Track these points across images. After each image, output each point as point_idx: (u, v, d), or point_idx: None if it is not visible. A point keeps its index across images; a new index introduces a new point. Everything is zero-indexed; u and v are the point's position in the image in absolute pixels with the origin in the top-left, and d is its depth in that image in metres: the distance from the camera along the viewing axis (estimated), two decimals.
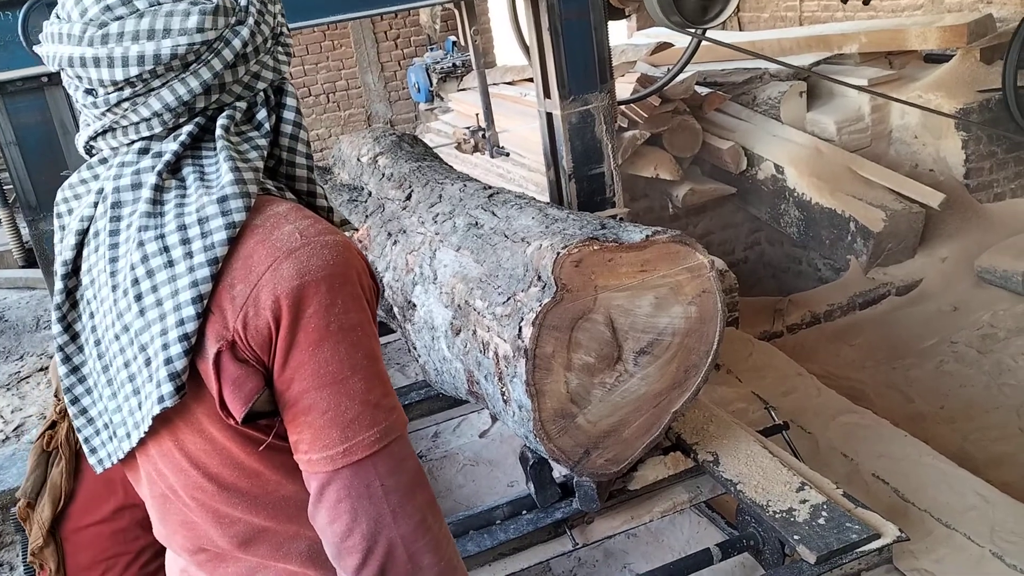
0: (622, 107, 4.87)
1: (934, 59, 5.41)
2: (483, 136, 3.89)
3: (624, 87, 4.89)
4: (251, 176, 0.95)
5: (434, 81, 7.29)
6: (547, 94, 3.63)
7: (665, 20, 3.45)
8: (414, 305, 2.60)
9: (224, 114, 0.98)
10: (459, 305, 2.32)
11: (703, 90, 5.38)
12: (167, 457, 1.01)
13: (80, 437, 1.07)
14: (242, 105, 1.00)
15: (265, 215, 0.95)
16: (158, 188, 0.95)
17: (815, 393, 3.25)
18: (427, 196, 2.90)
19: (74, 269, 1.04)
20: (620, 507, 2.41)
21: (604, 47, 3.59)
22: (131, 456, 1.05)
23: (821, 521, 2.10)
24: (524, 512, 2.40)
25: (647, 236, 2.07)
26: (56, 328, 1.04)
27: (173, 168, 0.97)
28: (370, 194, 3.37)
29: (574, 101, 3.57)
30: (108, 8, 0.93)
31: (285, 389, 0.93)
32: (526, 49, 4.15)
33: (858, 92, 5.06)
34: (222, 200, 0.92)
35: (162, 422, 0.97)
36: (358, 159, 3.68)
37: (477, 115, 3.96)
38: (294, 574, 1.05)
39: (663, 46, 5.84)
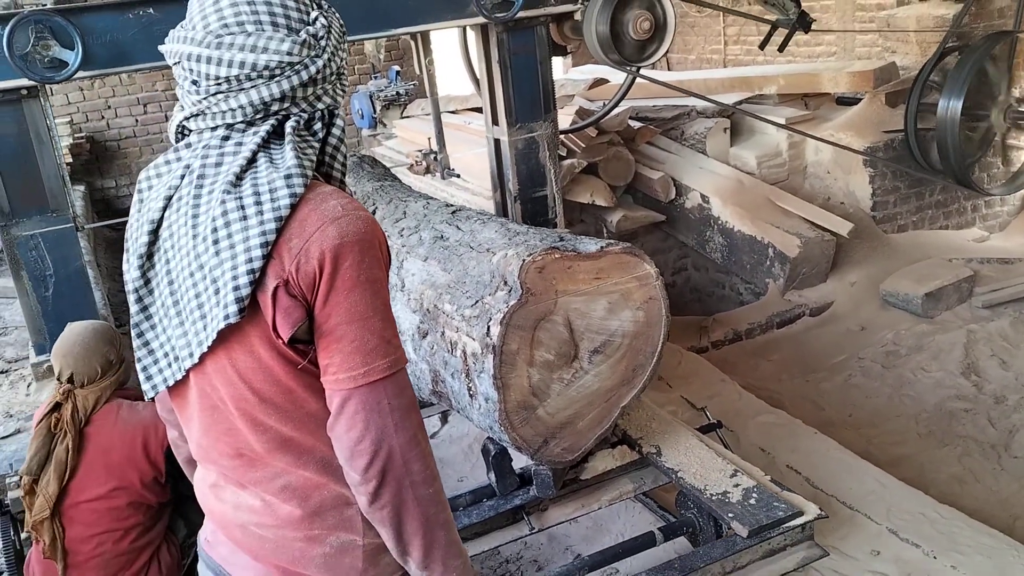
0: (562, 136, 5.16)
1: (845, 101, 5.89)
2: (435, 159, 4.12)
3: (564, 118, 5.18)
4: (308, 164, 1.24)
5: (378, 108, 7.49)
6: (495, 121, 3.89)
7: (604, 58, 3.71)
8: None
9: (292, 119, 1.27)
10: (427, 309, 2.52)
11: (636, 124, 5.72)
12: (221, 373, 1.26)
13: (139, 367, 1.33)
14: (304, 116, 1.29)
15: (316, 192, 1.24)
16: (241, 170, 1.23)
17: (736, 397, 3.57)
18: (391, 212, 3.10)
19: (155, 229, 1.29)
20: (572, 495, 2.64)
21: (548, 80, 3.87)
22: (184, 379, 1.31)
23: (752, 502, 2.37)
24: (485, 500, 2.61)
25: (602, 247, 2.33)
26: (135, 274, 1.31)
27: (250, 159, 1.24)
28: None
29: (520, 128, 3.84)
30: (226, 26, 1.23)
31: (324, 322, 1.20)
32: (476, 80, 4.40)
33: (777, 129, 5.47)
34: (287, 177, 1.21)
35: (220, 342, 1.22)
36: None
37: (429, 139, 4.19)
38: (309, 479, 1.29)
39: (599, 82, 6.19)
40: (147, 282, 1.31)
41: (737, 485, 2.44)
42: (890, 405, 4.12)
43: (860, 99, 5.70)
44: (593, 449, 2.58)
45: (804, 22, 4.49)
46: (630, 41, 3.69)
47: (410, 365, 2.66)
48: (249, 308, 1.19)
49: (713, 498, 2.40)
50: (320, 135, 1.31)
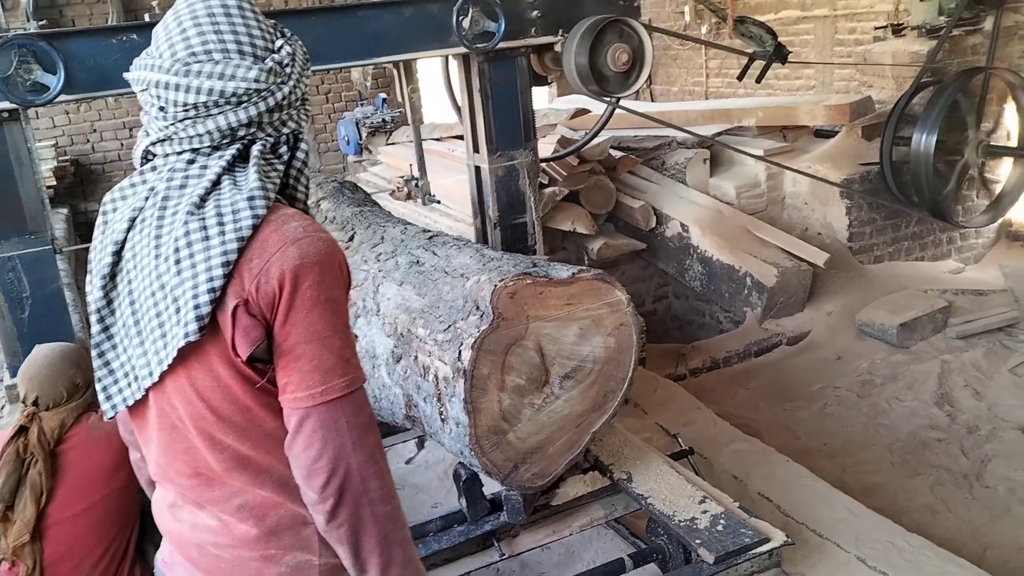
0: (543, 165, 5.22)
1: (823, 134, 5.99)
2: (416, 185, 4.17)
3: (546, 147, 5.25)
4: (271, 186, 1.28)
5: (363, 135, 7.55)
6: (476, 149, 3.94)
7: (583, 89, 3.78)
8: (356, 336, 2.81)
9: (258, 143, 1.31)
10: (401, 334, 2.55)
11: (617, 153, 5.79)
12: (180, 392, 1.28)
13: (98, 387, 1.35)
14: (270, 140, 1.33)
15: (278, 214, 1.28)
16: (206, 192, 1.27)
17: (711, 424, 3.60)
18: (370, 237, 3.13)
19: (119, 250, 1.32)
20: (543, 522, 2.65)
21: (529, 109, 3.92)
22: (143, 399, 1.33)
23: (719, 528, 2.39)
24: (456, 525, 2.61)
25: (573, 273, 2.36)
26: (97, 294, 1.34)
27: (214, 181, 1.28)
28: None
29: (501, 156, 3.88)
30: (194, 54, 1.27)
31: (283, 341, 1.23)
32: (458, 108, 4.46)
33: (756, 161, 5.56)
34: (250, 198, 1.25)
35: (180, 361, 1.24)
36: None
37: (411, 165, 4.23)
38: (266, 499, 1.31)
39: (581, 112, 6.28)
40: (109, 302, 1.34)
41: (705, 512, 2.45)
42: (865, 434, 4.15)
43: (837, 132, 5.79)
44: (564, 475, 2.59)
45: (781, 54, 4.58)
46: (609, 73, 3.74)
47: (384, 389, 2.67)
48: (209, 327, 1.21)
49: (681, 524, 2.41)
50: (285, 158, 1.35)
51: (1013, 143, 5.61)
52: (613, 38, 3.68)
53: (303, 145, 1.38)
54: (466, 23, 3.44)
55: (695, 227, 5.39)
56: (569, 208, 5.44)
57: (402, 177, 4.23)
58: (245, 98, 1.27)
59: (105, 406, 1.36)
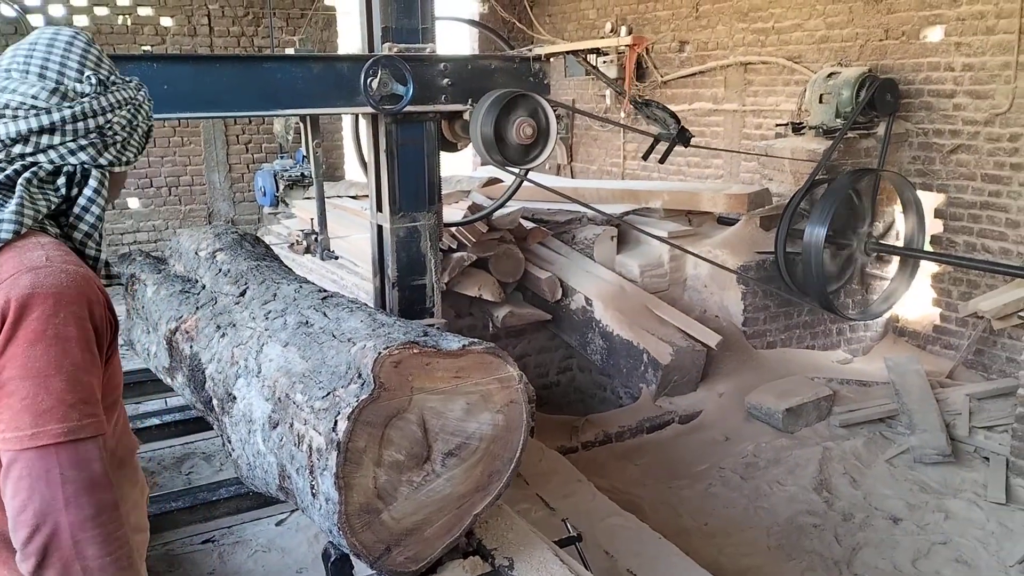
0: (453, 229, 5.27)
1: (725, 221, 6.22)
2: (315, 239, 4.13)
3: (458, 212, 5.31)
4: (31, 213, 1.22)
5: (281, 187, 7.50)
6: (379, 208, 3.94)
7: (488, 157, 3.85)
8: (234, 398, 2.63)
9: (31, 169, 1.27)
10: (279, 398, 2.39)
11: (529, 224, 5.90)
12: None
13: None
14: (48, 167, 1.28)
15: (28, 240, 1.21)
16: None
17: (590, 498, 3.60)
18: (262, 293, 3.00)
19: None
20: None
21: (435, 173, 3.96)
22: None
23: None
24: None
25: (463, 345, 2.23)
26: None
27: None
28: (204, 287, 3.37)
29: (403, 217, 3.90)
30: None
31: None
32: (364, 165, 4.48)
33: (659, 242, 5.73)
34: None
35: None
36: (196, 252, 3.69)
37: (312, 219, 4.21)
38: None
39: (493, 180, 6.39)
40: None
41: None
42: (744, 516, 4.21)
43: (739, 219, 6.02)
44: (443, 559, 2.41)
45: (683, 137, 4.76)
46: (513, 144, 3.83)
47: (259, 457, 2.52)
48: None
49: None
50: (63, 191, 1.29)
51: (900, 243, 5.93)
52: (520, 112, 3.78)
53: (93, 183, 1.31)
54: (374, 84, 3.48)
55: (599, 301, 5.48)
56: (477, 274, 5.48)
57: (302, 231, 4.19)
58: (20, 112, 1.25)
59: None
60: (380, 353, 2.14)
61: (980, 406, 4.97)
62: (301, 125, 4.00)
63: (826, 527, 4.11)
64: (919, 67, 5.96)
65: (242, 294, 3.16)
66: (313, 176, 4.03)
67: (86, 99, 1.29)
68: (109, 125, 1.32)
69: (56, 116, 1.26)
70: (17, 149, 1.26)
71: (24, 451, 1.11)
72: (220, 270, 3.48)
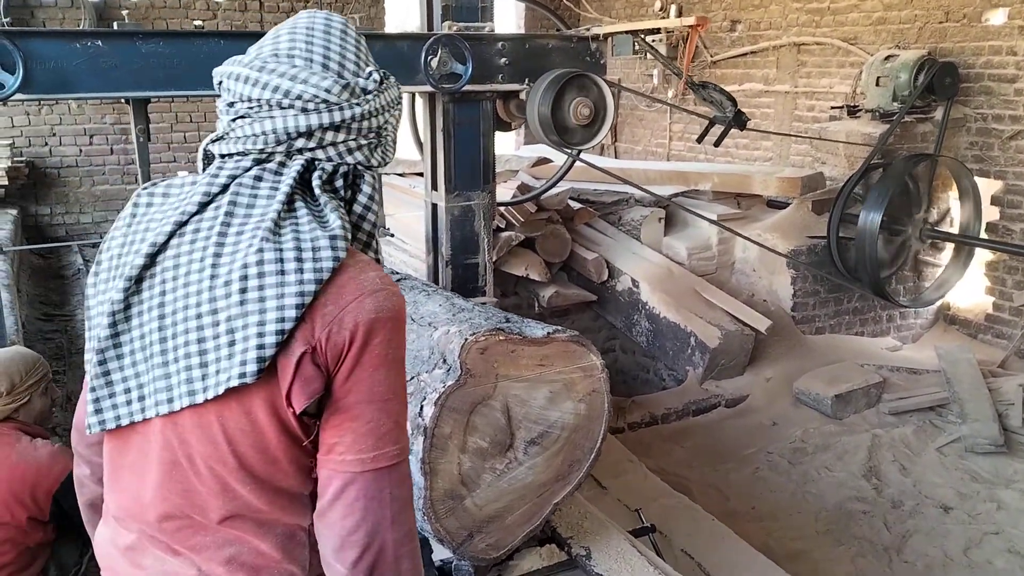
0: (501, 209, 5.28)
1: (775, 204, 6.15)
2: None
3: (507, 192, 5.32)
4: (348, 227, 1.19)
5: None
6: (434, 187, 3.97)
7: (544, 138, 3.85)
8: None
9: (316, 171, 1.22)
10: None
11: (576, 205, 5.88)
12: (202, 429, 1.15)
13: (90, 397, 1.21)
14: (328, 167, 1.23)
15: (356, 259, 1.19)
16: (280, 215, 1.17)
17: (642, 478, 3.62)
18: None
19: (155, 253, 1.19)
20: None
21: (490, 152, 3.97)
22: (140, 424, 1.19)
23: None
24: None
25: (548, 333, 2.23)
26: (117, 296, 1.19)
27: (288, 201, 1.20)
28: None
29: (458, 196, 3.92)
30: (276, 55, 1.22)
31: (342, 397, 1.14)
32: (420, 145, 4.51)
33: (709, 224, 5.69)
34: (332, 238, 1.15)
35: (216, 398, 1.12)
36: None
37: None
38: (263, 555, 1.19)
39: (543, 161, 6.38)
40: (127, 307, 1.20)
41: None
42: (792, 501, 4.20)
43: (789, 204, 5.96)
44: (520, 546, 2.43)
45: (740, 120, 4.72)
46: (570, 125, 3.83)
47: None
48: (266, 368, 1.11)
49: None
50: (342, 193, 1.24)
51: (955, 230, 5.83)
52: (577, 92, 3.77)
53: (365, 187, 1.26)
54: (434, 63, 3.49)
55: (645, 283, 5.47)
56: (524, 254, 5.49)
57: None
58: (311, 105, 1.18)
59: (92, 419, 1.20)
60: (467, 339, 2.13)
61: None
62: None
63: (875, 514, 4.09)
64: (980, 51, 5.82)
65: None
66: None
67: (370, 96, 1.22)
68: (386, 124, 1.27)
69: (347, 113, 1.20)
70: (300, 143, 1.20)
71: (364, 473, 1.13)
72: None
